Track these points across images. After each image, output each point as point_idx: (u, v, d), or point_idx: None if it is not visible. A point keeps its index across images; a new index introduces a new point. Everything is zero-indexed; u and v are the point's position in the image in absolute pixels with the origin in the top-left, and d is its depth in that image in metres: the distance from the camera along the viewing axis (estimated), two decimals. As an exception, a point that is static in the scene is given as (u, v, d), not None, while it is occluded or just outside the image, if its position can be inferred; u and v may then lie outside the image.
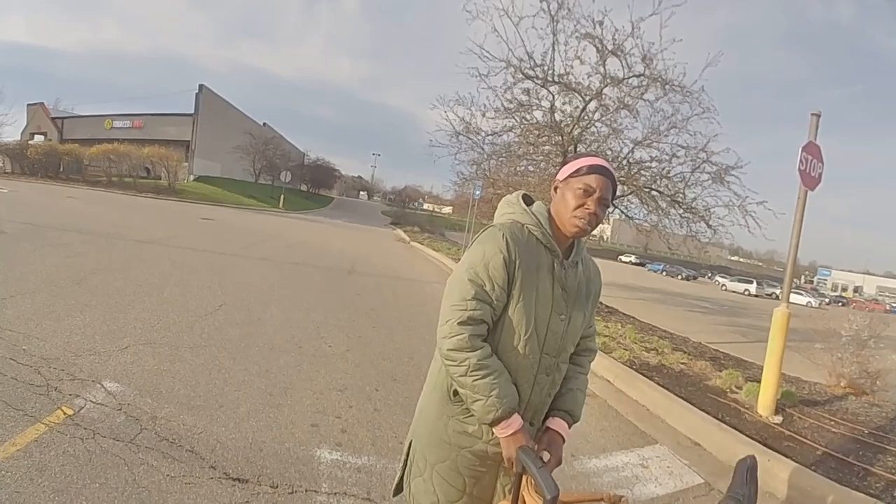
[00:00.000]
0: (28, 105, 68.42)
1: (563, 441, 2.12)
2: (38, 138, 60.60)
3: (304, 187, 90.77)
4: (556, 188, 2.13)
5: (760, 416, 6.21)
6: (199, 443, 3.93)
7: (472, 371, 1.90)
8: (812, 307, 49.64)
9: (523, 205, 2.14)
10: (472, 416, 2.00)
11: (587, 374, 2.31)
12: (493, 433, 1.98)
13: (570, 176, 2.05)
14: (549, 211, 2.12)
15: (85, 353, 5.40)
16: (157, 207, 31.00)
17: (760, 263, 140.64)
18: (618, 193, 13.33)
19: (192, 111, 59.60)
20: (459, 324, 1.92)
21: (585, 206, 1.99)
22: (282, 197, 56.96)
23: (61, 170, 49.94)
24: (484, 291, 1.94)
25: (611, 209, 14.12)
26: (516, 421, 1.92)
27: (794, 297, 7.37)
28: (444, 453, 2.11)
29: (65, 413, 4.03)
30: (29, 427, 3.75)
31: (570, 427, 2.16)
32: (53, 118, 67.07)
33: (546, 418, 2.16)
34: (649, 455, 5.20)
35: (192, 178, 56.38)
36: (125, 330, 6.39)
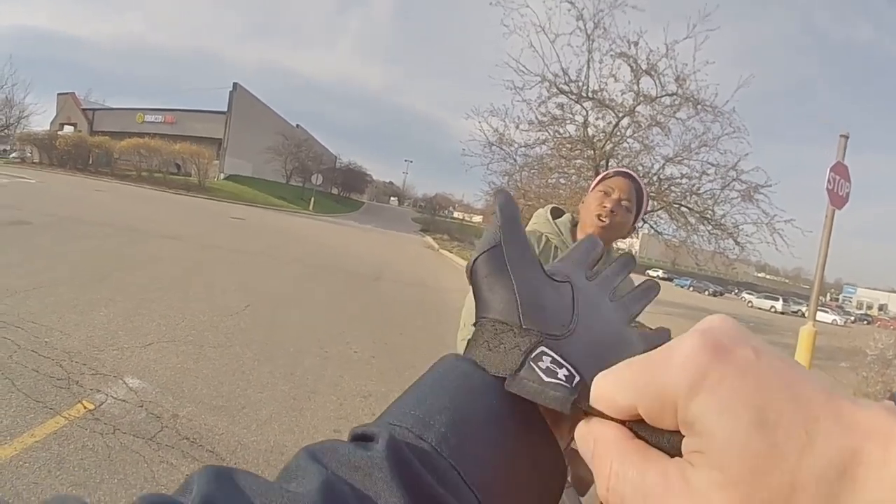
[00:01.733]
0: (58, 94, 68.96)
1: None
2: (68, 129, 61.14)
3: (334, 191, 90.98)
4: (584, 201, 2.16)
5: None
6: (219, 443, 3.84)
7: None
8: (837, 325, 49.66)
9: (548, 216, 2.16)
10: None
11: None
12: None
13: (596, 185, 2.09)
14: (573, 222, 2.14)
15: (107, 347, 5.35)
16: (187, 204, 31.19)
17: (787, 280, 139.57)
18: (647, 209, 13.47)
19: (225, 109, 59.89)
20: (472, 325, 1.85)
21: (603, 205, 1.99)
22: (312, 199, 57.01)
23: (90, 162, 50.48)
24: None
25: (640, 224, 14.13)
26: None
27: (819, 315, 7.37)
28: None
29: (85, 407, 3.98)
30: (48, 420, 3.70)
31: None
32: (84, 109, 67.34)
33: None
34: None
35: (222, 176, 56.63)
36: (149, 326, 6.33)
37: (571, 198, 12.84)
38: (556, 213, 2.20)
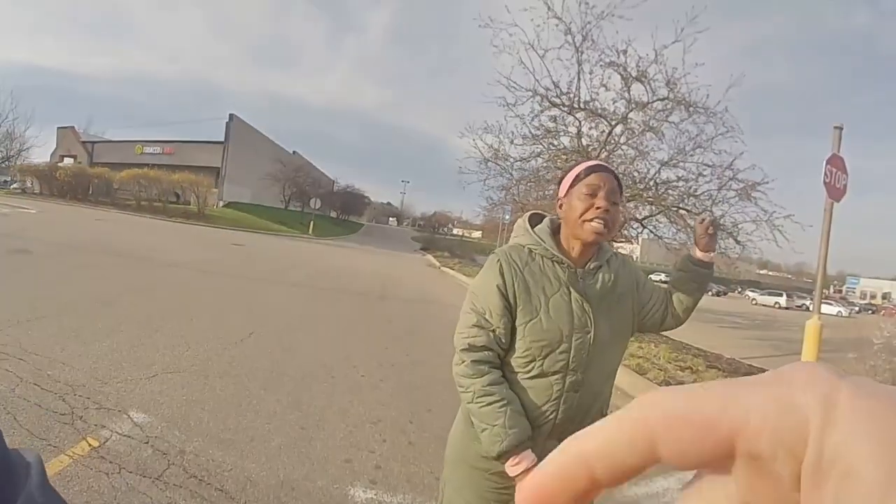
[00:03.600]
0: (58, 128, 69.91)
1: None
2: (68, 161, 61.75)
3: (333, 214, 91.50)
4: (560, 205, 2.07)
5: None
6: (228, 480, 3.72)
7: (477, 397, 1.89)
8: (842, 316, 50.00)
9: (527, 226, 2.10)
10: None
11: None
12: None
13: (571, 186, 2.01)
14: (554, 227, 2.07)
15: (111, 380, 5.25)
16: (187, 232, 31.21)
17: (790, 276, 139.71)
18: (646, 213, 13.58)
19: (223, 139, 60.69)
20: (461, 350, 1.96)
21: (595, 206, 1.91)
22: (311, 223, 56.99)
23: (90, 192, 50.92)
24: (485, 319, 1.95)
25: (639, 228, 14.31)
26: (527, 457, 1.81)
27: (823, 308, 7.45)
28: (466, 476, 2.08)
29: (90, 445, 3.86)
30: (52, 458, 3.59)
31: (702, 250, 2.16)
32: (83, 142, 68.34)
33: None
34: (689, 477, 4.98)
35: (221, 203, 56.96)
36: (153, 357, 6.23)
37: None
38: (537, 220, 2.14)
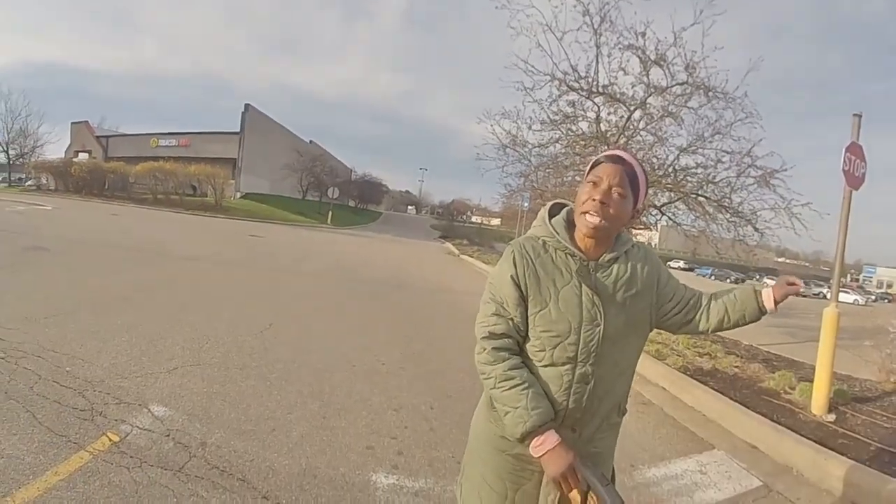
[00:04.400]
0: (72, 123, 69.88)
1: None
2: (83, 156, 61.82)
3: (351, 203, 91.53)
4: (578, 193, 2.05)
5: (814, 415, 6.20)
6: (250, 471, 3.68)
7: (499, 382, 1.91)
8: (859, 305, 50.60)
9: (546, 216, 2.09)
10: None
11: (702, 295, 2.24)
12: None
13: (586, 175, 1.99)
14: (570, 217, 2.06)
15: (131, 375, 5.23)
16: (204, 225, 31.40)
17: (807, 264, 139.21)
18: (664, 200, 13.49)
19: (238, 130, 60.39)
20: (483, 338, 2.00)
21: (592, 198, 1.89)
22: (330, 213, 57.22)
23: (106, 187, 51.19)
24: (502, 307, 1.98)
25: (658, 215, 14.34)
26: (551, 437, 1.85)
27: (841, 296, 7.52)
28: (487, 456, 2.09)
29: (110, 440, 3.83)
30: (73, 454, 3.56)
31: (776, 303, 2.08)
32: (98, 136, 68.29)
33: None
34: (707, 461, 5.05)
35: (238, 195, 56.94)
36: (172, 350, 6.22)
37: None
38: (557, 209, 2.11)
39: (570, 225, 2.02)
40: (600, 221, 1.86)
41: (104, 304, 7.97)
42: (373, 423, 4.87)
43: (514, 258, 1.97)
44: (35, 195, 44.65)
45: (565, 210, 2.08)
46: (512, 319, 1.95)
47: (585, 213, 1.89)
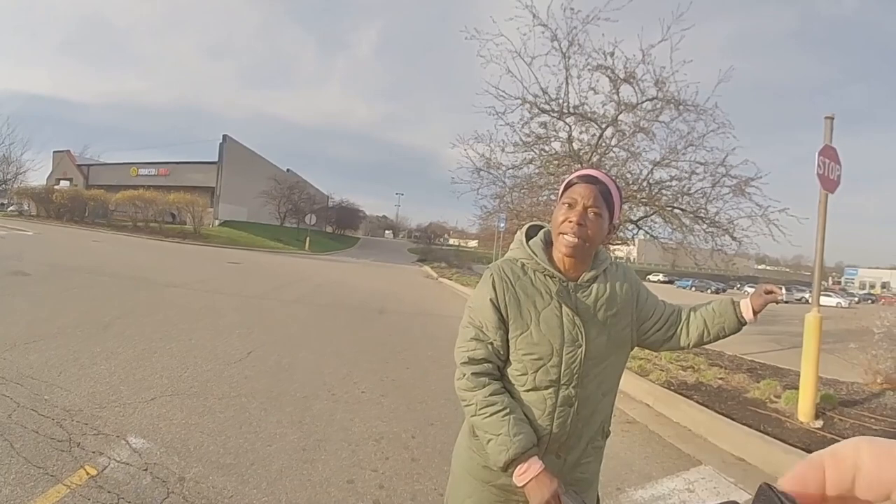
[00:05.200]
0: (54, 152, 70.66)
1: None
2: (64, 184, 62.20)
3: (329, 229, 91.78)
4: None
5: (801, 422, 6.29)
6: (229, 508, 3.64)
7: (480, 409, 1.88)
8: (842, 307, 50.48)
9: (522, 238, 2.10)
10: None
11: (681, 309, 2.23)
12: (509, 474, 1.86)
13: (562, 193, 2.00)
14: (548, 238, 2.08)
15: (110, 404, 5.19)
16: (184, 252, 31.23)
17: (788, 269, 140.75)
18: (640, 214, 13.67)
19: (217, 159, 61.05)
20: (462, 364, 1.97)
21: (568, 220, 1.91)
22: (307, 239, 57.40)
23: (87, 214, 51.53)
24: (482, 332, 1.96)
25: (634, 230, 14.57)
26: (534, 464, 1.80)
27: (823, 300, 7.59)
28: (470, 488, 2.06)
29: (88, 473, 3.79)
30: (50, 488, 3.53)
31: (755, 312, 2.11)
32: (79, 165, 69.02)
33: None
34: (695, 478, 5.04)
35: (217, 222, 57.19)
36: (151, 379, 6.17)
37: None
38: (535, 231, 2.13)
39: (548, 245, 2.04)
40: (578, 241, 1.89)
41: (84, 331, 7.90)
42: (353, 455, 4.82)
43: (493, 281, 1.97)
44: (17, 221, 44.65)
45: (542, 231, 2.09)
46: (492, 343, 1.95)
47: (563, 234, 1.91)
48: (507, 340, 1.95)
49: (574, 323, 1.93)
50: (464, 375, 1.94)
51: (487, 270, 2.05)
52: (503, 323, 1.95)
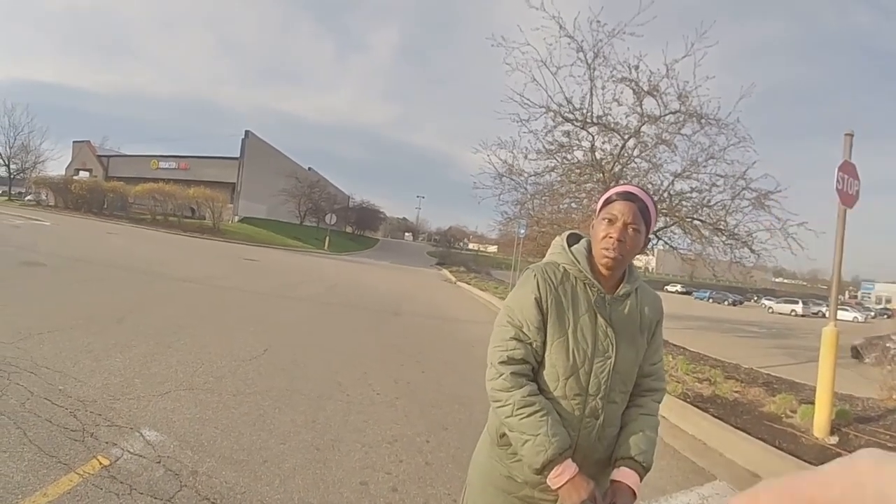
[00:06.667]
0: (74, 142, 71.12)
1: (634, 494, 1.86)
2: (83, 174, 62.54)
3: (349, 229, 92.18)
4: (591, 226, 2.10)
5: (816, 438, 6.20)
6: (241, 504, 3.61)
7: (517, 409, 1.84)
8: (859, 322, 50.52)
9: (564, 244, 2.11)
10: (518, 460, 1.92)
11: (654, 416, 2.12)
12: (543, 478, 1.83)
13: (601, 208, 2.04)
14: (589, 249, 2.07)
15: (123, 396, 5.17)
16: (202, 247, 31.41)
17: (805, 283, 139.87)
18: (660, 225, 13.65)
19: (238, 155, 61.12)
20: (500, 363, 1.92)
21: (609, 235, 1.94)
22: (327, 239, 57.64)
23: (105, 206, 51.70)
24: (522, 332, 1.94)
25: (654, 240, 14.56)
26: (570, 467, 1.79)
27: (840, 314, 7.65)
28: (491, 499, 2.04)
29: (100, 463, 3.77)
30: (62, 476, 3.51)
31: (641, 476, 1.92)
32: (99, 156, 69.46)
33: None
34: (708, 493, 4.95)
35: (236, 219, 57.41)
36: (166, 373, 6.16)
37: (584, 221, 13.29)
38: (574, 239, 2.14)
39: (590, 256, 2.03)
40: (618, 256, 1.92)
41: (99, 323, 7.92)
42: (367, 457, 4.78)
43: (537, 282, 1.96)
44: (34, 210, 44.98)
45: (585, 240, 2.09)
46: (531, 344, 1.92)
47: (605, 249, 1.93)
48: (545, 343, 1.93)
49: (607, 334, 1.94)
50: (500, 375, 1.90)
51: (529, 271, 2.04)
52: (544, 325, 1.93)
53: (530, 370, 1.93)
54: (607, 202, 2.00)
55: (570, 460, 1.80)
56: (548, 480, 1.79)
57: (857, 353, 14.58)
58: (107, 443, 4.12)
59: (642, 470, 1.93)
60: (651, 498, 4.70)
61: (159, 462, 3.95)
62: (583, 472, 1.83)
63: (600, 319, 1.94)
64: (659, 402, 2.17)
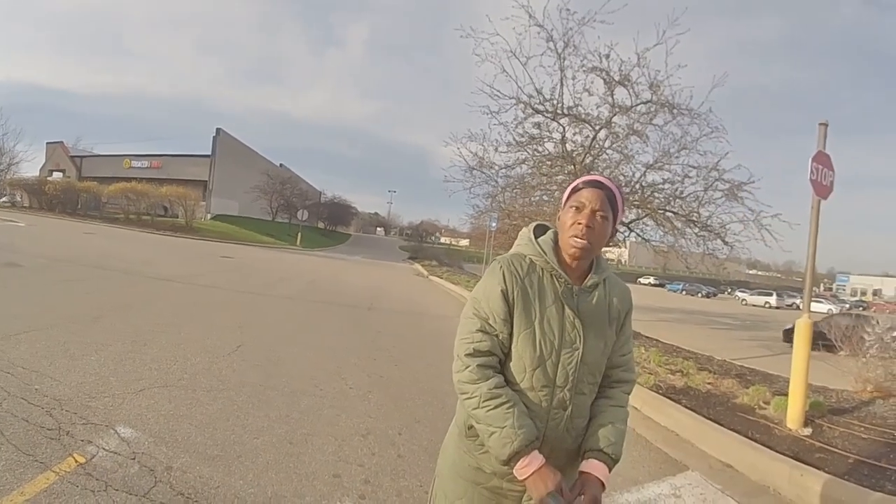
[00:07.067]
0: (47, 143, 70.48)
1: (602, 485, 1.87)
2: (57, 175, 62.03)
3: (321, 225, 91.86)
4: (558, 217, 2.10)
5: (790, 429, 6.19)
6: (216, 498, 3.67)
7: (484, 401, 1.85)
8: (833, 314, 50.17)
9: (531, 235, 2.10)
10: (486, 451, 1.93)
11: (624, 407, 2.12)
12: (510, 469, 1.84)
13: (568, 197, 2.05)
14: (555, 239, 2.07)
15: (99, 395, 5.21)
16: (175, 245, 31.26)
17: (779, 275, 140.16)
18: (632, 217, 13.67)
19: (210, 153, 60.94)
20: (467, 355, 1.92)
21: (577, 223, 1.94)
22: (299, 235, 57.48)
23: (79, 206, 51.44)
24: (488, 324, 1.94)
25: (626, 232, 14.55)
26: (537, 458, 1.79)
27: (814, 306, 7.62)
28: (461, 490, 2.05)
29: (76, 461, 3.82)
30: (39, 475, 3.56)
31: (610, 467, 1.93)
32: (72, 156, 69.06)
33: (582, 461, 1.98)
34: (681, 483, 5.03)
35: (209, 216, 57.17)
36: (141, 371, 6.20)
37: (555, 214, 13.19)
38: (541, 230, 2.15)
39: (557, 247, 2.04)
40: (587, 244, 1.92)
41: (75, 323, 7.92)
42: (340, 450, 4.86)
43: (503, 273, 1.97)
44: (8, 211, 44.55)
45: (552, 231, 2.10)
46: (497, 336, 1.93)
47: (573, 236, 1.94)
48: (510, 335, 1.95)
49: (574, 325, 1.95)
50: (467, 367, 1.91)
51: (495, 263, 2.05)
52: (510, 316, 1.94)
53: (497, 362, 1.94)
54: (574, 191, 2.02)
55: (536, 452, 1.81)
56: (514, 471, 1.80)
57: (788, 338, 14.58)
58: (82, 441, 4.17)
59: (611, 461, 1.94)
60: (623, 488, 4.77)
61: (134, 459, 4.01)
62: (551, 463, 1.83)
63: (567, 310, 1.95)
64: (628, 394, 2.16)
